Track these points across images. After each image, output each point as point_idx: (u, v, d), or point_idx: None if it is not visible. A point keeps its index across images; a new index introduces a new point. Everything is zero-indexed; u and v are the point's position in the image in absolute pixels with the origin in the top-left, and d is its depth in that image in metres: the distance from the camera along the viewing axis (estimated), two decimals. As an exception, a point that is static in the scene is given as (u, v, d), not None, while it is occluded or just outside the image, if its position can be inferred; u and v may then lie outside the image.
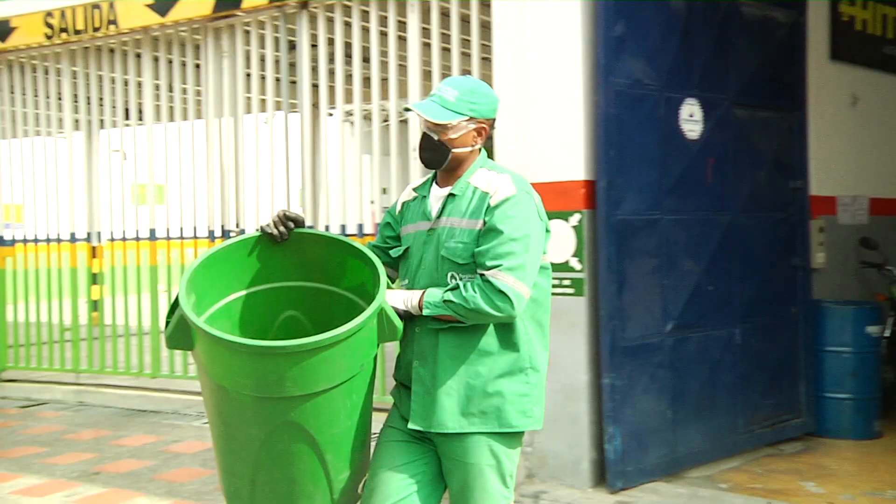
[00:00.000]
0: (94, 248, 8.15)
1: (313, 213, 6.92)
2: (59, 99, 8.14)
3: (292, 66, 7.03)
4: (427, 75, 6.31)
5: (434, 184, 2.81)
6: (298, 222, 2.71)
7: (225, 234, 7.11)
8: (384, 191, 6.96)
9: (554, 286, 4.94)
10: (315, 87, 7.01)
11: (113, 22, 7.34)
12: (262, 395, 2.41)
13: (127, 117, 7.91)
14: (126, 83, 7.72)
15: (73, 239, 7.98)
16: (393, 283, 2.91)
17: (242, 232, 7.03)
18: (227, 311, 2.72)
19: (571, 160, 4.92)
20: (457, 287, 2.58)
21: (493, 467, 2.65)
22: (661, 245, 5.12)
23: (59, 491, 4.76)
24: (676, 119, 5.19)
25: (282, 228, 2.68)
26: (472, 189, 2.69)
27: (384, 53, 6.35)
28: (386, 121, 6.66)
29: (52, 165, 8.15)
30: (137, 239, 7.69)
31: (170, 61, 7.55)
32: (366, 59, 6.56)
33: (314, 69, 6.71)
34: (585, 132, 4.88)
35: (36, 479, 5.03)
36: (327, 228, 6.75)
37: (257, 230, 2.73)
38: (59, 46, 7.77)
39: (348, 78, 6.94)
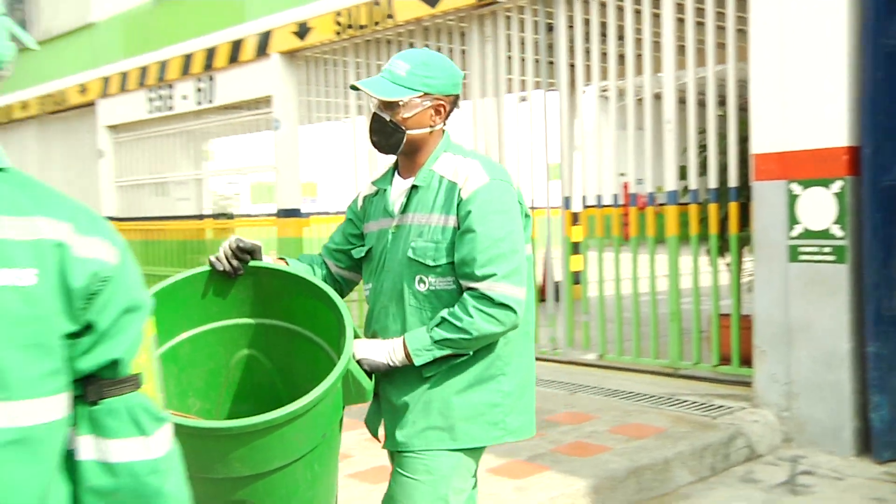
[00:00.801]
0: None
1: (569, 185, 6.92)
2: (344, 87, 8.67)
3: (550, 47, 7.04)
4: (681, 50, 6.09)
5: (396, 174, 2.33)
6: (254, 253, 2.22)
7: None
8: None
9: (813, 253, 4.69)
10: (572, 66, 6.97)
11: (390, 16, 7.68)
12: (203, 476, 1.93)
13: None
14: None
15: (358, 212, 8.51)
16: (353, 287, 2.51)
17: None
18: (172, 355, 2.26)
19: (833, 126, 4.57)
20: (443, 320, 2.11)
21: (427, 483, 2.21)
22: (933, 213, 4.64)
23: (355, 430, 5.08)
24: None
25: (235, 263, 2.19)
26: (437, 178, 2.21)
27: (639, 31, 6.20)
28: (639, 96, 6.51)
29: (339, 147, 8.72)
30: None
31: (438, 48, 7.81)
32: (620, 38, 6.45)
33: (571, 49, 6.68)
34: (849, 97, 4.51)
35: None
36: (584, 199, 6.74)
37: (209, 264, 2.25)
38: (346, 41, 8.24)
39: (603, 56, 6.86)
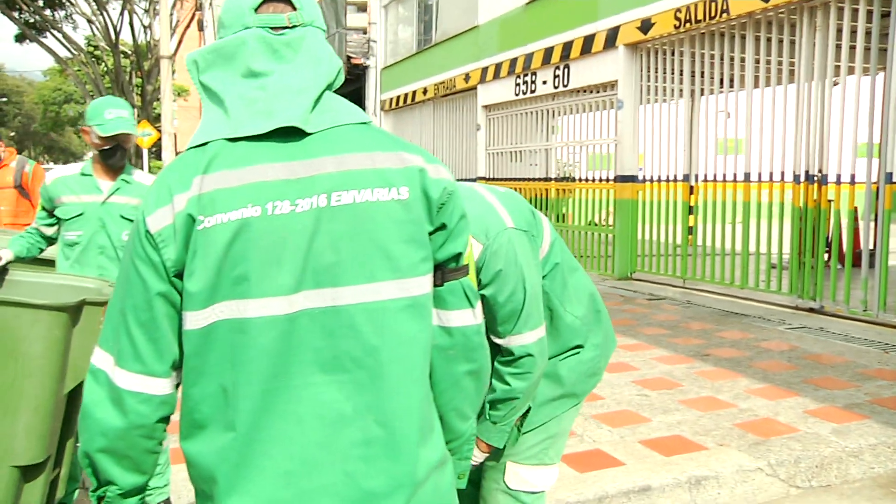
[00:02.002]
0: (691, 187, 8.33)
1: (891, 161, 6.15)
2: (673, 73, 8.38)
3: (883, 35, 6.23)
4: None
5: None
6: None
7: (808, 178, 6.71)
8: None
9: None
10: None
11: (725, 11, 7.27)
12: None
13: (731, 85, 7.83)
14: (731, 59, 7.64)
15: (678, 179, 8.27)
16: None
17: (824, 178, 6.57)
18: None
19: None
20: (490, 404, 1.79)
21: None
22: None
23: (682, 363, 5.05)
24: None
25: None
26: None
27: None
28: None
29: (664, 125, 8.48)
30: (725, 181, 7.65)
31: (768, 39, 7.26)
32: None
33: (906, 35, 5.86)
34: None
35: (665, 352, 5.35)
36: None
37: None
38: (683, 34, 7.96)
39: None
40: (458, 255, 1.21)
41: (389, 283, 1.11)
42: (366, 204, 1.10)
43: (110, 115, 2.81)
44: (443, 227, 1.18)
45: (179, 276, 1.10)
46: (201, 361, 1.09)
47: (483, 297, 1.75)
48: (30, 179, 5.76)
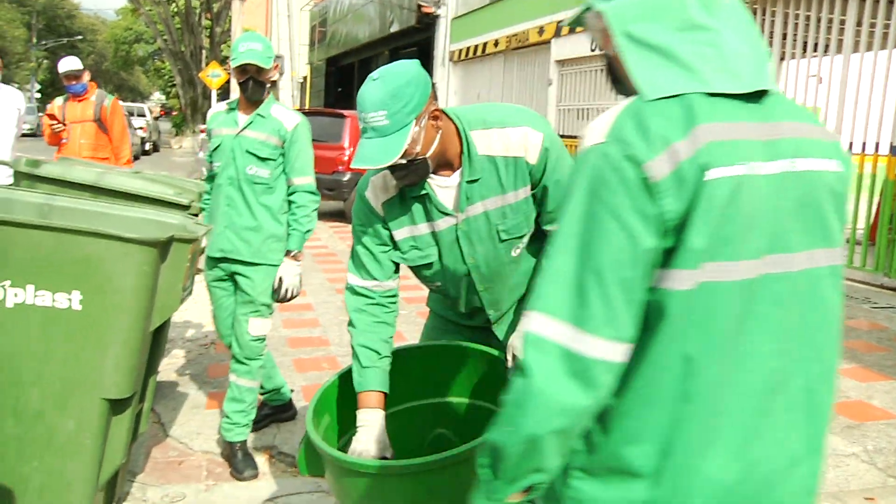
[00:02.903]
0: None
1: None
2: (762, 34, 7.90)
3: None
4: None
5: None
6: None
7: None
8: None
9: None
10: None
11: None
12: None
13: (826, 50, 7.35)
14: (830, 21, 7.14)
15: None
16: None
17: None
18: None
19: None
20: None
21: None
22: None
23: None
24: None
25: None
26: (490, 161, 1.76)
27: None
28: None
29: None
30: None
31: (875, 0, 6.74)
32: None
33: None
34: None
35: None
36: None
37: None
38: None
39: None
40: None
41: (823, 252, 1.12)
42: (818, 173, 1.11)
43: (242, 49, 2.89)
44: None
45: (668, 231, 1.02)
46: (678, 326, 1.03)
47: (557, 181, 1.81)
48: (108, 113, 5.76)
